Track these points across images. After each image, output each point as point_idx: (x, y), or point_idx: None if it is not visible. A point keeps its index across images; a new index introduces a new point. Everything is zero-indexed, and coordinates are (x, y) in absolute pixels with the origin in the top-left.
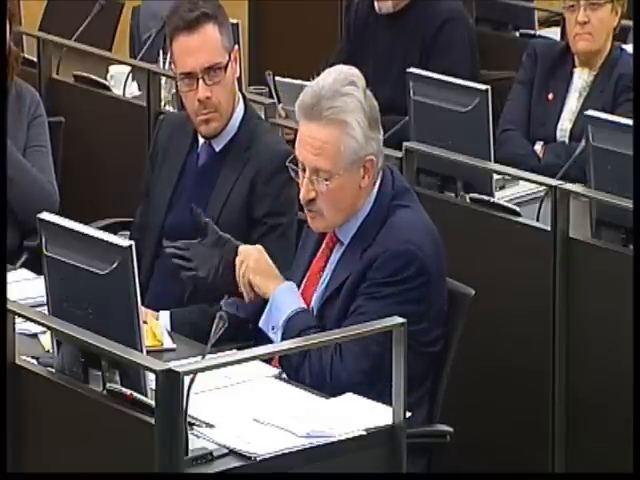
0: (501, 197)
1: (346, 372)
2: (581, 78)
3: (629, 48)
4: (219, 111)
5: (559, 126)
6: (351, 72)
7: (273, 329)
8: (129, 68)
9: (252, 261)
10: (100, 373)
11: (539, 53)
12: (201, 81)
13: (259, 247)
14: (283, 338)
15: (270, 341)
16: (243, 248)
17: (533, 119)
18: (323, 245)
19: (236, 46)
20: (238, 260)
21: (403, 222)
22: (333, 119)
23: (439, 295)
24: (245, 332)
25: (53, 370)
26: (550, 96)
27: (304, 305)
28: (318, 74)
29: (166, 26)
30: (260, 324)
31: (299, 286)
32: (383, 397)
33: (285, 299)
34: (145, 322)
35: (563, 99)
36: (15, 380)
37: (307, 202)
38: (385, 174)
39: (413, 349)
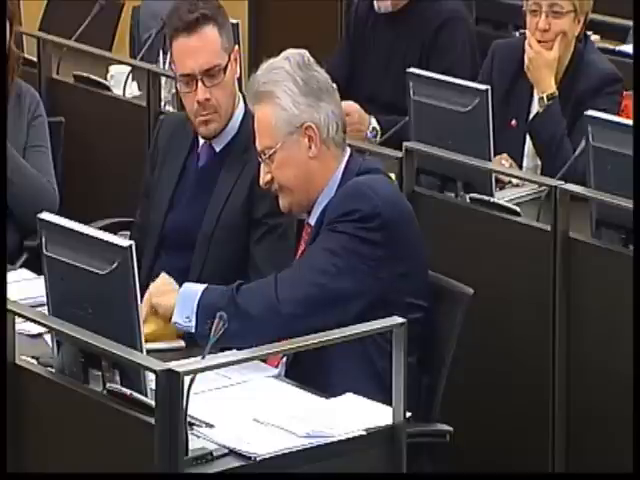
0: (501, 197)
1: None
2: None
3: (629, 48)
4: (218, 112)
5: (525, 163)
6: (295, 51)
7: (188, 318)
8: (129, 68)
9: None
10: (100, 373)
11: (496, 66)
12: (200, 83)
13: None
14: (200, 318)
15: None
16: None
17: (496, 147)
18: (302, 241)
19: (236, 46)
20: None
21: (360, 179)
22: (261, 93)
23: (408, 255)
24: None
25: (53, 370)
26: (513, 122)
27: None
28: None
29: (166, 27)
30: (173, 319)
31: None
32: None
33: (190, 289)
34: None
35: (525, 123)
36: (15, 380)
37: (265, 184)
38: (354, 158)
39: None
